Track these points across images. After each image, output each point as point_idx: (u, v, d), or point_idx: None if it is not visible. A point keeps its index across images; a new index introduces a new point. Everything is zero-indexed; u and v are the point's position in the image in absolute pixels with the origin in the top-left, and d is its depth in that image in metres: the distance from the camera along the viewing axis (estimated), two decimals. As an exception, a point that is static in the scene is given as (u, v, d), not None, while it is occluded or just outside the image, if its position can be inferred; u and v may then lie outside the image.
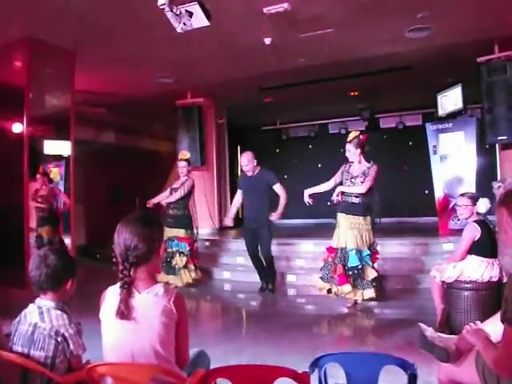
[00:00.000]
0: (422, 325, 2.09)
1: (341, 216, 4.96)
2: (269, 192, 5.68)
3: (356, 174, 4.91)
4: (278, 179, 5.71)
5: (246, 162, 5.72)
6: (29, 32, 5.38)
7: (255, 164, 5.76)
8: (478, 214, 3.80)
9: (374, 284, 4.84)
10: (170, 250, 5.94)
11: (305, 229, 9.91)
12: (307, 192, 5.14)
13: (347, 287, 4.77)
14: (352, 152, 4.92)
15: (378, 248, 5.06)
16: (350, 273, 4.78)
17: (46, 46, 5.63)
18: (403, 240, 6.58)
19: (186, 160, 6.34)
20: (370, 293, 4.80)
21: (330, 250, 5.01)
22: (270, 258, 5.79)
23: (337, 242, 4.94)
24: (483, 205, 3.77)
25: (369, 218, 4.91)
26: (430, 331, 2.04)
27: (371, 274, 4.82)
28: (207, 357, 2.16)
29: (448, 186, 7.47)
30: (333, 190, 5.09)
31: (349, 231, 4.85)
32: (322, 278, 5.01)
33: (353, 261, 4.77)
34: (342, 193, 5.00)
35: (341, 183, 5.02)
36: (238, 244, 7.47)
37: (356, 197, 4.89)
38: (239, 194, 5.95)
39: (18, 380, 1.88)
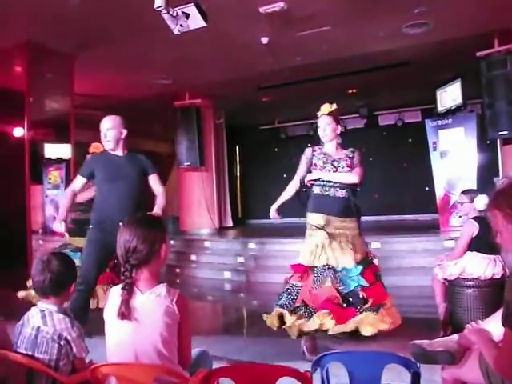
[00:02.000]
0: (415, 342, 2.01)
1: (317, 218, 3.44)
2: (142, 184, 3.85)
3: (338, 157, 3.49)
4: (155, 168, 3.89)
5: (111, 124, 3.62)
6: (28, 36, 5.41)
7: (123, 137, 3.73)
8: (477, 210, 3.79)
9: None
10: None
11: (301, 228, 9.88)
12: (273, 208, 3.66)
13: (350, 324, 3.13)
14: (331, 128, 3.53)
15: (376, 261, 3.52)
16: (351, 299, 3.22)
17: (46, 50, 5.66)
18: (404, 237, 6.57)
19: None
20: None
21: (298, 267, 3.44)
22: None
23: (311, 257, 3.37)
24: (481, 201, 3.75)
25: (354, 219, 3.43)
26: (426, 342, 1.98)
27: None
28: (209, 356, 2.15)
29: (449, 182, 7.46)
30: (304, 188, 3.56)
31: (334, 242, 3.34)
32: (281, 306, 3.36)
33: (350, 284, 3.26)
34: (316, 181, 3.45)
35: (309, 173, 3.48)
36: (237, 244, 7.55)
37: (341, 188, 3.38)
38: (79, 182, 3.68)
39: (24, 381, 1.89)
